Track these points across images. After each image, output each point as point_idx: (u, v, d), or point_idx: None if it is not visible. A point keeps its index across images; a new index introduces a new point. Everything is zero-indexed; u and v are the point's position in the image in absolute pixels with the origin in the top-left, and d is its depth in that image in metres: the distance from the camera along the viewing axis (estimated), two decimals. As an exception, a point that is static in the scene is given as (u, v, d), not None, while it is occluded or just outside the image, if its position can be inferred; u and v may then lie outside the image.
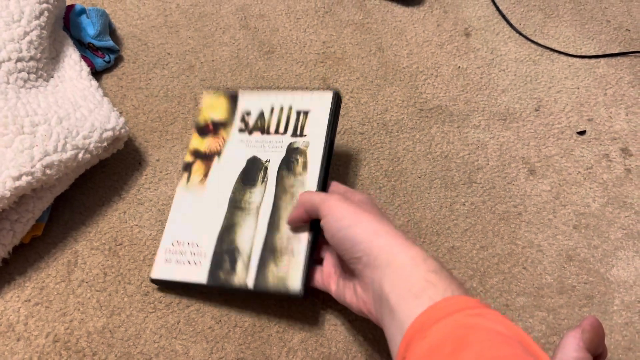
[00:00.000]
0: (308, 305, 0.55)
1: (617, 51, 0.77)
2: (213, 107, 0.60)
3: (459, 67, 0.74)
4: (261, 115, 0.58)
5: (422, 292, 0.38)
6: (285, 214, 0.53)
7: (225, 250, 0.53)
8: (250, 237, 0.53)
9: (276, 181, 0.55)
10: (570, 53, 0.76)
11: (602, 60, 0.76)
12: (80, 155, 0.53)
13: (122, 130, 0.58)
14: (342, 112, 0.68)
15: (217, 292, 0.55)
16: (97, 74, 0.69)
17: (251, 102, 0.59)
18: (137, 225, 0.59)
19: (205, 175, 0.57)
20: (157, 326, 0.53)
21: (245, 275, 0.51)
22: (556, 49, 0.77)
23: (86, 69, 0.62)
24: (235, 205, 0.55)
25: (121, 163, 0.62)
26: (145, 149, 0.64)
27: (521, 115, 0.70)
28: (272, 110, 0.58)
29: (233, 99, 0.60)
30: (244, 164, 0.57)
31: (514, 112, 0.70)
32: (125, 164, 0.62)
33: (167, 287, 0.55)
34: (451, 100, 0.71)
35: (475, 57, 0.75)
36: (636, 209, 0.63)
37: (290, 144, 0.56)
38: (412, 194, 0.63)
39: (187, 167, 0.58)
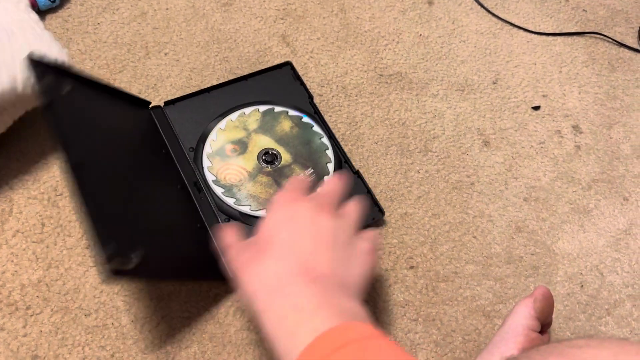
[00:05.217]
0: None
1: (573, 30, 0.78)
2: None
3: (420, 34, 0.73)
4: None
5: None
6: None
7: None
8: None
9: None
10: (529, 29, 0.77)
11: (559, 39, 0.77)
12: (19, 86, 0.49)
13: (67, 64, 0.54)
14: (301, 72, 0.66)
15: None
16: (40, 13, 0.64)
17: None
18: (79, 175, 0.55)
19: None
20: (98, 281, 0.51)
21: None
22: (516, 23, 0.77)
23: (24, 1, 0.57)
24: None
25: (64, 109, 0.58)
26: (91, 97, 0.60)
27: (479, 87, 0.70)
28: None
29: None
30: None
31: (472, 84, 0.70)
32: (68, 111, 0.58)
33: None
34: (411, 68, 0.70)
35: (436, 26, 0.74)
36: (583, 185, 0.64)
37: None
38: (368, 159, 0.62)
39: None
